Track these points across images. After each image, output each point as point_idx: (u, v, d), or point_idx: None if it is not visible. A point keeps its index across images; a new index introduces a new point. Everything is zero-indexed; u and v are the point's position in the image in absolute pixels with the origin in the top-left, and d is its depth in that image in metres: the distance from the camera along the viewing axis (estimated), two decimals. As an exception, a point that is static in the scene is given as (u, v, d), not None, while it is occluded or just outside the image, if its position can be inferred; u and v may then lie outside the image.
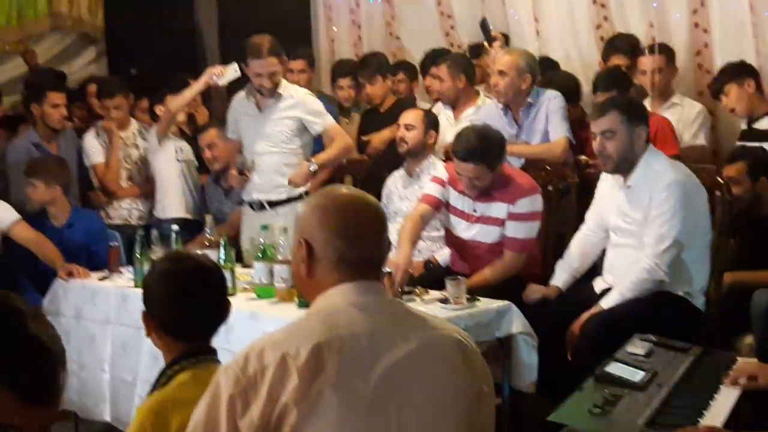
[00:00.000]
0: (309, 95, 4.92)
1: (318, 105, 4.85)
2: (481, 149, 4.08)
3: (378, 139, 5.45)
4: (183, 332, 2.33)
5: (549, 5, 5.76)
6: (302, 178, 4.73)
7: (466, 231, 4.29)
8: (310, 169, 4.72)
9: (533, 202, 4.18)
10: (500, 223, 4.18)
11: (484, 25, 5.39)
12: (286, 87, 4.83)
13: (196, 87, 5.23)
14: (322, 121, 4.79)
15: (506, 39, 5.76)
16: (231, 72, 5.01)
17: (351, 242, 1.89)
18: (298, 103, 4.78)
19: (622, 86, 4.79)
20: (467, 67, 5.31)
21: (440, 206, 4.32)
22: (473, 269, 4.19)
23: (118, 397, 4.31)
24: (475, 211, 4.24)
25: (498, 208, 4.18)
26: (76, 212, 5.05)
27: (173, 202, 5.48)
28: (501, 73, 4.82)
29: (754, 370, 2.84)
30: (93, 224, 5.09)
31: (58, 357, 1.50)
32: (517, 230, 4.15)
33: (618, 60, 5.20)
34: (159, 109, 5.59)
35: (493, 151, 4.12)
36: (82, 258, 4.74)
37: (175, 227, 4.46)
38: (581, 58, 5.64)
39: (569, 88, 5.11)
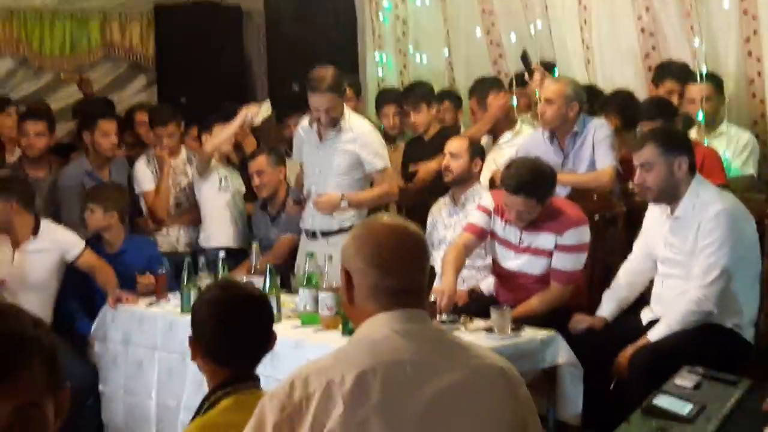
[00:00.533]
0: (372, 132, 4.94)
1: (377, 144, 4.87)
2: (532, 183, 4.09)
3: (425, 170, 5.44)
4: (228, 359, 2.36)
5: (597, 34, 5.74)
6: (327, 205, 4.75)
7: (512, 261, 4.28)
8: (341, 203, 4.75)
9: (581, 234, 4.17)
10: (547, 254, 4.17)
11: (524, 58, 5.39)
12: (349, 119, 4.85)
13: (231, 128, 5.36)
14: (376, 161, 4.82)
15: (551, 67, 5.78)
16: (265, 110, 5.12)
17: (385, 271, 1.92)
18: (358, 138, 4.80)
19: (667, 115, 4.76)
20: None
21: (485, 235, 4.33)
22: (518, 299, 4.17)
23: (163, 423, 4.36)
24: (521, 241, 4.23)
25: (545, 239, 4.17)
26: (129, 239, 5.11)
27: (218, 231, 5.52)
28: (548, 101, 4.83)
29: None
30: (147, 250, 5.14)
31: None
32: (564, 262, 4.15)
33: (670, 85, 5.19)
34: (206, 138, 5.66)
35: (545, 185, 4.14)
36: (133, 284, 4.79)
37: (222, 254, 4.51)
38: (628, 88, 5.61)
39: (627, 106, 5.12)
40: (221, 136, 5.38)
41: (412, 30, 6.72)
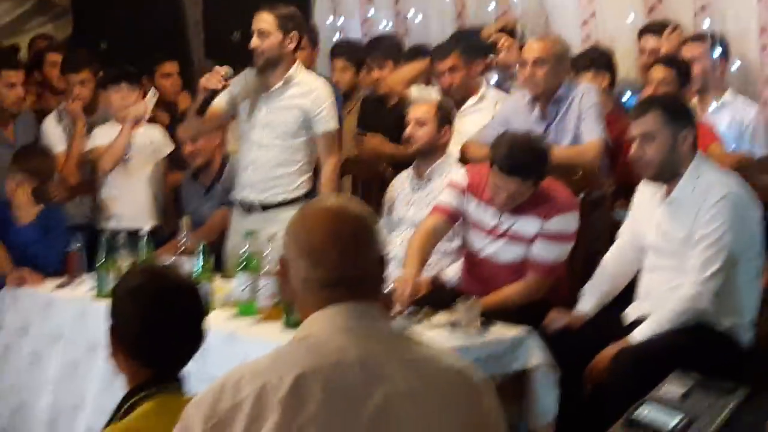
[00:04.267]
0: (326, 87, 4.96)
1: (330, 102, 4.90)
2: (529, 163, 4.14)
3: (371, 141, 5.50)
4: (153, 358, 2.36)
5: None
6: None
7: (485, 246, 4.32)
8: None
9: (570, 221, 4.22)
10: (527, 240, 4.21)
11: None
12: (298, 71, 4.87)
13: (122, 140, 5.37)
14: (329, 121, 4.87)
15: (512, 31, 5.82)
16: (151, 101, 5.16)
17: (314, 262, 1.93)
18: (310, 93, 4.83)
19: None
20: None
21: (456, 217, 4.36)
22: (487, 291, 4.19)
23: (57, 425, 4.33)
24: (500, 223, 4.27)
25: (528, 224, 4.21)
26: (46, 211, 5.06)
27: (121, 210, 5.50)
28: (538, 61, 4.82)
29: None
30: (62, 225, 5.10)
31: None
32: (546, 251, 4.19)
33: (653, 41, 5.32)
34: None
35: (542, 166, 4.18)
36: (48, 263, 4.79)
37: (144, 230, 4.51)
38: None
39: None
40: (114, 149, 5.39)
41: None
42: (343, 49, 6.07)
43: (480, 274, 4.37)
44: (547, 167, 4.21)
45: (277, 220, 4.60)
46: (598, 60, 5.27)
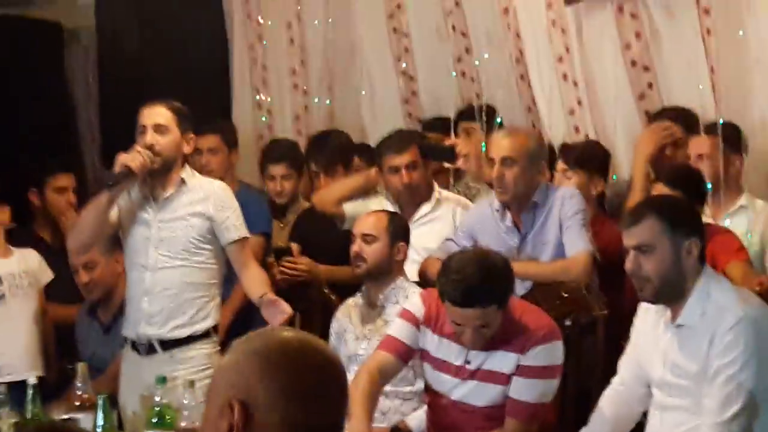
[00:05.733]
0: (227, 189, 5.00)
1: (236, 205, 4.92)
2: (488, 286, 4.08)
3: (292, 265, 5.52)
4: None
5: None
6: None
7: (453, 389, 4.28)
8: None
9: (552, 352, 4.19)
10: (504, 379, 4.18)
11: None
12: (192, 176, 4.91)
13: None
14: (239, 227, 4.88)
15: (491, 113, 5.92)
16: None
17: (304, 406, 1.95)
18: (210, 197, 4.86)
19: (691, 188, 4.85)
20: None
21: (410, 355, 4.34)
22: None
23: None
24: (468, 362, 4.24)
25: (502, 360, 4.18)
26: None
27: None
28: (507, 160, 4.87)
29: None
30: None
31: None
32: (526, 390, 4.15)
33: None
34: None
35: (503, 284, 4.15)
36: None
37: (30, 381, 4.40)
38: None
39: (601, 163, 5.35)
40: None
41: (313, 58, 6.78)
42: (283, 152, 6.08)
43: (449, 422, 4.32)
44: (509, 283, 4.18)
45: (184, 361, 4.67)
46: (593, 160, 5.30)
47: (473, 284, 4.04)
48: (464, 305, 4.06)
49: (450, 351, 4.27)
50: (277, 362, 1.98)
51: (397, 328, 4.35)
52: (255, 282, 4.84)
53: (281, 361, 1.98)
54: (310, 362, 1.99)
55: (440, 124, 5.98)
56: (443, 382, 4.30)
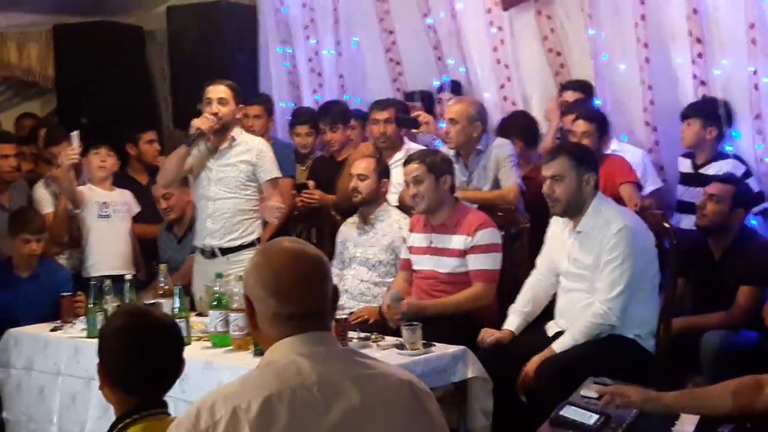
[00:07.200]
0: (266, 143, 5.02)
1: (271, 155, 4.94)
2: (425, 153, 4.47)
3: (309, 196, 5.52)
4: (136, 388, 2.31)
5: (512, 53, 5.86)
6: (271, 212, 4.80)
7: (423, 263, 4.42)
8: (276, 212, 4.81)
9: (492, 234, 4.33)
10: (457, 253, 4.30)
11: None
12: (241, 133, 4.91)
13: (64, 175, 5.22)
14: (271, 170, 4.90)
15: (458, 86, 5.89)
16: (75, 140, 5.10)
17: (283, 299, 1.90)
18: (252, 149, 4.87)
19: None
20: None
21: (410, 264, 4.53)
22: (428, 299, 4.33)
23: (63, 450, 4.25)
24: (431, 243, 4.37)
25: (455, 240, 4.33)
26: (41, 262, 5.01)
27: (100, 259, 5.42)
28: (452, 121, 4.90)
29: (626, 390, 2.86)
30: (59, 273, 5.08)
31: None
32: (483, 262, 4.29)
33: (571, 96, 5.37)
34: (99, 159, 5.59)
35: (437, 160, 4.36)
36: (46, 309, 4.71)
37: (128, 276, 4.44)
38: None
39: (527, 126, 5.34)
40: (68, 193, 5.34)
41: (325, 61, 6.67)
42: (306, 117, 6.06)
43: (422, 287, 4.43)
44: (443, 165, 4.37)
45: (237, 262, 4.66)
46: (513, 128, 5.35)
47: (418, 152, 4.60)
48: (407, 162, 4.46)
49: (422, 239, 4.45)
50: (262, 266, 1.94)
51: (403, 251, 4.59)
52: (271, 202, 4.86)
53: (265, 265, 1.94)
54: (286, 267, 1.92)
55: (418, 95, 5.99)
56: (417, 261, 4.47)
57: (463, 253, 4.31)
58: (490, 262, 4.30)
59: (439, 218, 4.40)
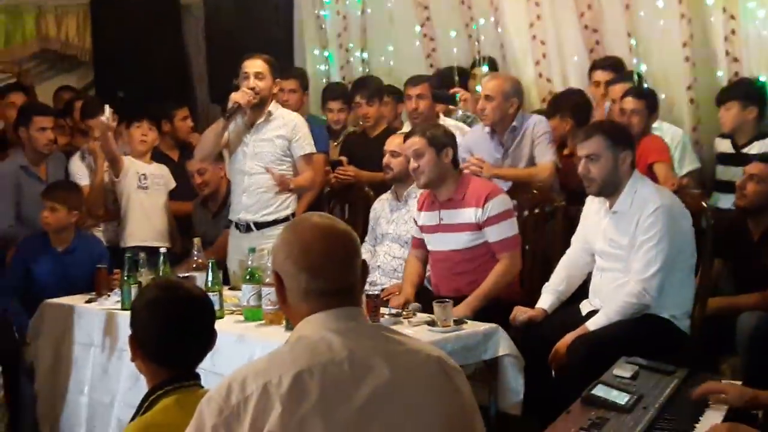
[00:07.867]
0: (302, 119, 5.01)
1: (307, 130, 4.93)
2: (426, 126, 4.38)
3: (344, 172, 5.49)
4: (167, 360, 2.33)
5: (547, 30, 5.79)
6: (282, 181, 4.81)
7: (435, 243, 4.38)
8: (290, 185, 4.83)
9: (503, 201, 4.28)
10: (469, 228, 4.25)
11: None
12: (277, 108, 4.90)
13: (105, 142, 5.22)
14: (305, 146, 4.90)
15: (492, 63, 5.84)
16: (108, 114, 5.09)
17: (314, 275, 1.91)
18: (288, 124, 4.86)
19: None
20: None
21: (423, 242, 4.48)
22: (455, 282, 4.28)
23: (94, 420, 4.30)
24: (441, 219, 4.32)
25: (465, 214, 4.26)
26: (78, 236, 5.04)
27: (137, 229, 5.45)
28: (487, 97, 4.86)
29: (722, 388, 2.84)
30: (96, 247, 5.11)
31: None
32: (501, 231, 4.23)
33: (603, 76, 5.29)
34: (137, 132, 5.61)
35: (437, 133, 4.31)
36: (83, 283, 4.74)
37: (163, 249, 4.46)
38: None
39: (579, 104, 5.23)
40: (110, 161, 5.37)
41: (353, 26, 6.69)
42: (338, 93, 6.03)
43: (442, 267, 4.38)
44: (446, 140, 4.30)
45: (271, 237, 4.62)
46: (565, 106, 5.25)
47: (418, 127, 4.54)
48: (408, 136, 4.42)
49: (432, 217, 4.39)
50: (292, 242, 1.94)
51: (414, 230, 4.52)
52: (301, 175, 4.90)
53: (295, 241, 1.94)
54: (316, 243, 1.92)
55: (449, 72, 5.90)
56: (432, 241, 4.41)
57: (475, 227, 4.24)
58: (509, 228, 4.24)
59: (445, 193, 4.33)
